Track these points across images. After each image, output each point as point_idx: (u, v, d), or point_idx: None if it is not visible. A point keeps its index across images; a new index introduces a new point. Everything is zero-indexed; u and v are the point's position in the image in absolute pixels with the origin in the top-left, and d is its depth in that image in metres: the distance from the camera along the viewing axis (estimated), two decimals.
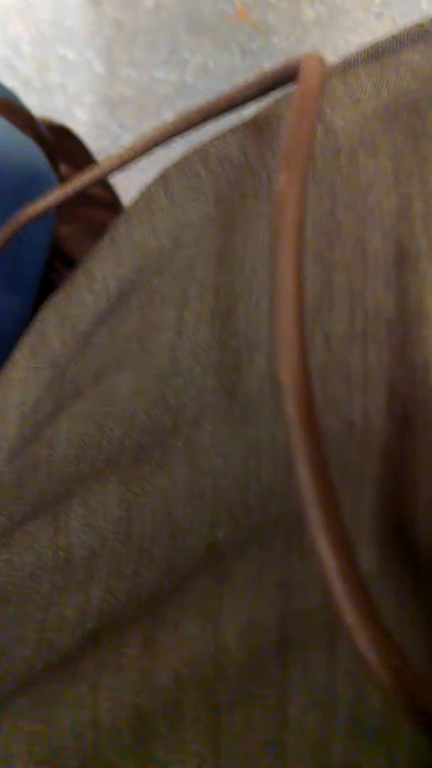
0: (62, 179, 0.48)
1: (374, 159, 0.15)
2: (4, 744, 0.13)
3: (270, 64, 0.71)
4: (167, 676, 0.12)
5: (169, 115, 0.70)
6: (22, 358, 0.20)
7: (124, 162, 0.19)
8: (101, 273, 0.19)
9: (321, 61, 0.15)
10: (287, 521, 0.13)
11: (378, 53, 0.18)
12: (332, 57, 0.72)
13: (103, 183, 0.49)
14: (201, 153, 0.19)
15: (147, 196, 0.19)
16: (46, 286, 0.43)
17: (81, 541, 0.15)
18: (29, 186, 0.37)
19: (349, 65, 0.18)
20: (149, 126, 0.69)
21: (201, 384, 0.15)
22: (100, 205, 0.49)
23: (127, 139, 0.69)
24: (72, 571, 0.15)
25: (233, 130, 0.18)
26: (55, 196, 0.19)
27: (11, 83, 0.70)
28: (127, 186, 0.68)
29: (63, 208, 0.45)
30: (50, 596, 0.15)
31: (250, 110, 0.70)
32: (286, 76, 0.16)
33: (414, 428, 0.12)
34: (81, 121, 0.69)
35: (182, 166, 0.19)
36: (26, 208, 0.20)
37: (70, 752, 0.12)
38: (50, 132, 0.51)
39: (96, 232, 0.46)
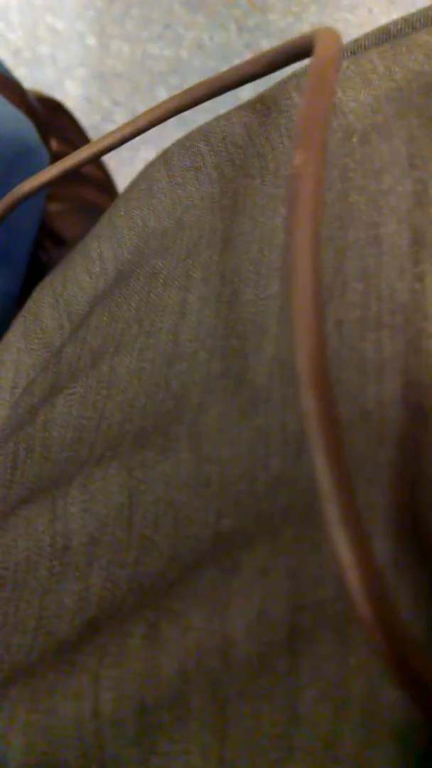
0: (54, 154, 0.47)
1: (388, 142, 0.15)
2: (1, 733, 0.13)
3: (267, 41, 0.70)
4: (172, 668, 0.12)
5: (162, 92, 0.68)
6: (15, 339, 0.19)
7: (123, 139, 0.18)
8: (99, 253, 0.19)
9: (336, 34, 0.15)
10: (297, 511, 0.12)
11: (390, 35, 0.17)
12: None
13: (94, 161, 0.48)
14: (204, 132, 0.18)
15: (147, 175, 0.19)
16: (35, 263, 0.42)
17: (80, 527, 0.14)
18: (19, 159, 0.36)
19: (360, 47, 0.18)
20: (142, 102, 0.67)
21: (205, 369, 0.15)
22: (91, 184, 0.48)
23: (120, 115, 0.67)
24: (71, 557, 0.14)
25: (237, 110, 0.18)
26: (50, 173, 0.19)
27: (1, 52, 0.69)
28: (118, 165, 0.67)
29: (53, 186, 0.44)
30: (48, 583, 0.14)
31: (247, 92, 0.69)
32: (300, 51, 0.15)
33: (429, 418, 0.12)
34: (72, 95, 0.67)
35: (184, 145, 0.18)
36: (20, 185, 0.19)
37: (70, 742, 0.12)
38: (42, 106, 0.49)
39: (86, 210, 0.45)
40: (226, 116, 0.18)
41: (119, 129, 0.18)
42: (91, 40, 0.68)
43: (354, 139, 0.15)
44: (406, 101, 0.15)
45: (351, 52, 0.18)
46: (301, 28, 0.70)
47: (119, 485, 0.14)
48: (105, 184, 0.50)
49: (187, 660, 0.12)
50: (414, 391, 0.12)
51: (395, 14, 0.71)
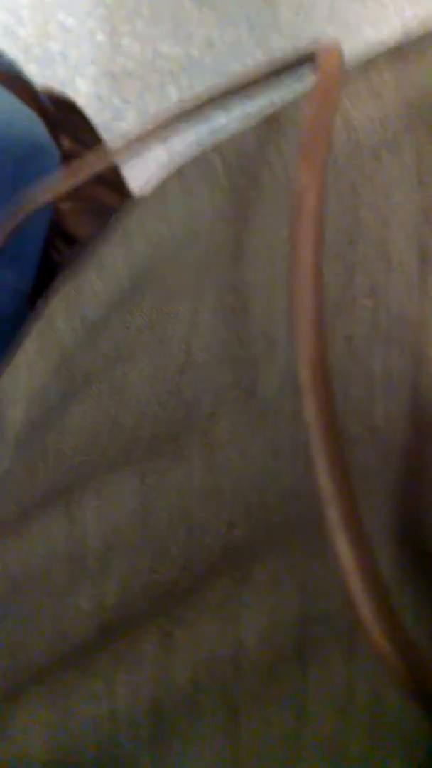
0: (65, 153, 0.47)
1: (398, 158, 0.15)
2: (22, 732, 0.13)
3: (277, 38, 0.69)
4: (185, 673, 0.12)
5: (173, 91, 0.68)
6: (29, 343, 0.20)
7: (137, 145, 0.19)
8: (112, 261, 0.19)
9: (339, 50, 0.15)
10: (307, 524, 0.13)
11: (401, 51, 0.18)
12: (340, 30, 0.70)
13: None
14: (217, 144, 0.19)
15: (161, 185, 0.19)
16: (46, 262, 0.42)
17: (95, 533, 0.15)
18: (30, 158, 0.36)
19: (370, 61, 0.18)
20: (152, 101, 0.67)
21: (217, 379, 0.15)
22: (102, 182, 0.48)
23: (130, 114, 0.67)
24: (86, 562, 0.15)
25: (251, 126, 0.18)
26: (63, 182, 0.19)
27: (12, 50, 0.69)
28: (128, 165, 0.67)
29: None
30: (64, 587, 0.15)
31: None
32: (302, 62, 0.16)
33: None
34: (82, 93, 0.68)
35: (198, 156, 0.19)
36: (33, 195, 0.19)
37: (88, 742, 0.13)
38: (54, 104, 0.49)
39: (97, 210, 0.45)
40: (239, 132, 0.18)
41: (131, 136, 0.18)
42: (102, 38, 0.68)
43: (364, 155, 0.16)
44: (415, 118, 0.15)
45: (362, 66, 0.18)
46: (312, 24, 0.69)
47: (132, 491, 0.15)
48: (116, 182, 0.50)
49: (200, 666, 0.12)
50: (420, 407, 0.12)
51: (407, 6, 0.70)
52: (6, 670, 0.14)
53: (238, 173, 0.18)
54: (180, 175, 0.19)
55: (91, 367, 0.17)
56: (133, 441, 0.15)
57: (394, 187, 0.15)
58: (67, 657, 0.14)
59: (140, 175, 0.66)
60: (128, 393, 0.16)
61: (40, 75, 0.68)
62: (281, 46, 0.70)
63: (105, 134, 0.71)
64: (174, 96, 0.69)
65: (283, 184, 0.17)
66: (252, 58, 0.69)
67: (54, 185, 0.19)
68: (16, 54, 0.69)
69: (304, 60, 0.16)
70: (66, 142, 0.50)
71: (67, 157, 0.47)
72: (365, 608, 0.10)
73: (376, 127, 0.16)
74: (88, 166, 0.18)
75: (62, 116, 0.50)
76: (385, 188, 0.15)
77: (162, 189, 0.19)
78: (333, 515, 0.10)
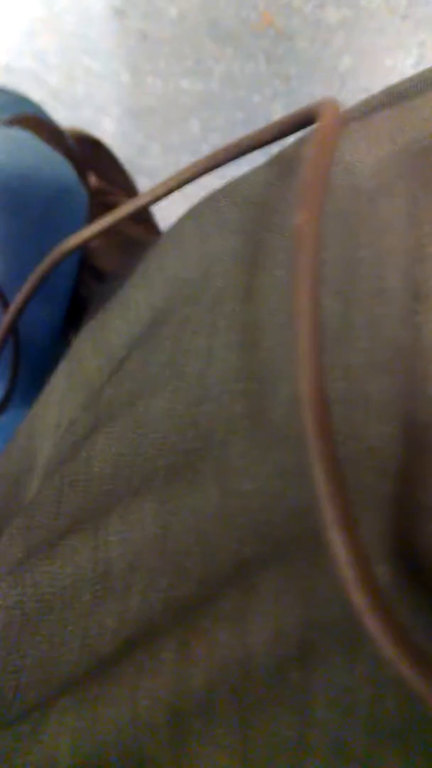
0: (92, 192, 0.48)
1: (391, 202, 0.16)
2: (51, 737, 0.14)
3: (296, 68, 0.71)
4: (200, 679, 0.13)
5: (195, 124, 0.70)
6: (59, 381, 0.21)
7: (158, 197, 0.20)
8: (135, 301, 0.21)
9: (337, 106, 0.17)
10: (309, 538, 0.14)
11: (394, 99, 0.19)
12: (358, 60, 0.72)
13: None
14: (228, 190, 0.20)
15: (178, 229, 0.20)
16: (76, 298, 0.43)
17: (119, 555, 0.16)
18: (59, 200, 0.38)
19: (367, 110, 0.19)
20: (175, 135, 0.69)
21: (229, 410, 0.16)
22: (130, 218, 0.49)
23: (154, 149, 0.69)
24: (111, 582, 0.16)
25: (258, 169, 0.20)
26: (90, 230, 0.21)
27: (40, 95, 0.71)
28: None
29: (93, 221, 0.45)
30: (91, 606, 0.16)
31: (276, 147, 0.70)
32: (305, 120, 0.17)
33: (427, 454, 0.13)
34: (108, 132, 0.70)
35: (211, 202, 0.20)
36: (64, 242, 0.21)
37: (111, 745, 0.14)
38: (81, 143, 0.51)
39: (126, 245, 0.46)
40: (248, 175, 0.20)
41: (152, 190, 0.19)
42: (126, 78, 0.70)
43: (362, 199, 0.17)
44: (407, 164, 0.17)
45: (360, 113, 0.19)
46: (330, 54, 0.71)
47: (153, 516, 0.16)
48: (142, 215, 0.51)
49: (214, 672, 0.13)
50: (413, 429, 0.14)
51: (423, 35, 0.71)
52: (37, 683, 0.15)
53: (248, 217, 0.19)
54: (195, 219, 0.20)
55: (116, 402, 0.19)
56: (154, 470, 0.17)
57: (389, 229, 0.16)
58: (93, 669, 0.15)
59: (166, 205, 0.68)
60: (149, 426, 0.17)
61: (68, 118, 0.71)
62: (298, 74, 0.71)
63: (131, 168, 0.73)
64: (196, 129, 0.70)
65: (288, 228, 0.18)
66: (271, 89, 0.71)
67: (84, 233, 0.21)
68: (44, 98, 0.72)
69: (307, 116, 0.17)
70: (93, 180, 0.52)
71: (94, 194, 0.49)
72: (369, 617, 0.10)
73: (373, 172, 0.17)
74: (112, 217, 0.20)
75: (89, 155, 0.52)
76: (381, 230, 0.16)
77: (179, 232, 0.20)
78: (330, 515, 0.11)
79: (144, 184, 0.72)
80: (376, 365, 0.15)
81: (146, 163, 0.69)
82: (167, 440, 0.17)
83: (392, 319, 0.15)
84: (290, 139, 0.49)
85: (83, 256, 0.45)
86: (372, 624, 0.10)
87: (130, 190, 0.51)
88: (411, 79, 0.19)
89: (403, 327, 0.15)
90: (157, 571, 0.15)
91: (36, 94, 0.72)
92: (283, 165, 0.19)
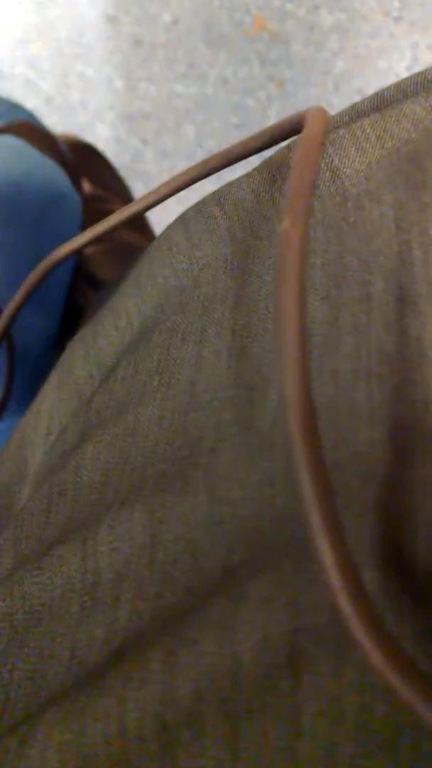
0: (86, 198, 0.48)
1: (378, 207, 0.16)
2: (39, 752, 0.14)
3: (290, 72, 0.71)
4: (188, 689, 0.13)
5: (189, 129, 0.70)
6: (50, 389, 0.21)
7: (151, 205, 0.20)
8: (125, 309, 0.20)
9: (324, 113, 0.17)
10: (297, 545, 0.14)
11: (382, 104, 0.19)
12: (351, 63, 0.72)
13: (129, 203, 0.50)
14: (217, 197, 0.20)
15: (167, 236, 0.21)
16: (70, 304, 0.43)
17: (108, 565, 0.16)
18: (52, 206, 0.38)
19: (356, 113, 0.19)
20: (170, 140, 0.69)
21: (218, 417, 0.16)
22: (126, 226, 0.49)
23: (149, 153, 0.69)
24: (100, 592, 0.16)
25: (248, 175, 0.20)
26: (82, 239, 0.20)
27: (34, 101, 0.71)
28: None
29: (88, 227, 0.45)
30: (80, 616, 0.16)
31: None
32: (293, 128, 0.17)
33: (414, 459, 0.13)
34: (102, 137, 0.70)
35: (200, 208, 0.20)
36: (54, 251, 0.21)
37: (99, 758, 0.13)
38: (74, 149, 0.51)
39: (121, 252, 0.46)
40: (237, 181, 0.20)
41: (145, 197, 0.19)
42: (119, 84, 0.70)
43: (349, 204, 0.17)
44: (394, 168, 0.17)
45: (349, 118, 0.19)
46: (324, 57, 0.71)
47: (142, 526, 0.16)
48: (137, 222, 0.51)
49: (202, 681, 0.13)
50: (400, 435, 0.14)
51: (417, 37, 0.71)
52: (26, 695, 0.15)
53: (237, 225, 0.19)
54: (185, 227, 0.20)
55: (106, 410, 0.19)
56: (144, 479, 0.17)
57: (375, 234, 0.16)
58: (81, 680, 0.15)
59: (160, 210, 0.68)
60: (139, 434, 0.17)
61: (62, 123, 0.71)
62: (293, 78, 0.71)
63: (126, 174, 0.73)
64: (191, 134, 0.70)
65: (278, 234, 0.18)
66: (266, 92, 0.71)
67: (77, 241, 0.21)
68: (38, 105, 0.71)
69: (296, 123, 0.17)
70: (87, 186, 0.52)
71: (88, 201, 0.49)
72: (355, 624, 0.10)
73: (360, 177, 0.17)
74: (103, 225, 0.20)
75: (82, 161, 0.52)
76: (367, 235, 0.16)
77: (169, 240, 0.20)
78: (315, 521, 0.11)
79: (139, 189, 0.72)
80: (362, 370, 0.15)
81: (141, 168, 0.69)
82: (156, 449, 0.17)
83: (377, 324, 0.15)
84: (282, 144, 0.49)
85: (78, 263, 0.45)
86: (358, 631, 0.10)
87: (125, 196, 0.51)
88: (399, 84, 0.19)
89: (388, 331, 0.15)
90: (146, 581, 0.15)
91: (30, 100, 0.72)
92: (271, 171, 0.19)
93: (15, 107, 0.45)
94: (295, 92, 0.71)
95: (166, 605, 0.15)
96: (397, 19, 0.70)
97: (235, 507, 0.15)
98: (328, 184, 0.17)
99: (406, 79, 0.19)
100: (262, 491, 0.15)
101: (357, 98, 0.71)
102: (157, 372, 0.18)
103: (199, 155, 0.68)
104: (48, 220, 0.35)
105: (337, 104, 0.73)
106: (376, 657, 0.10)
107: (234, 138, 0.68)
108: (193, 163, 0.68)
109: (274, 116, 0.69)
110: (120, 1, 0.69)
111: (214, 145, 0.70)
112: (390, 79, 0.71)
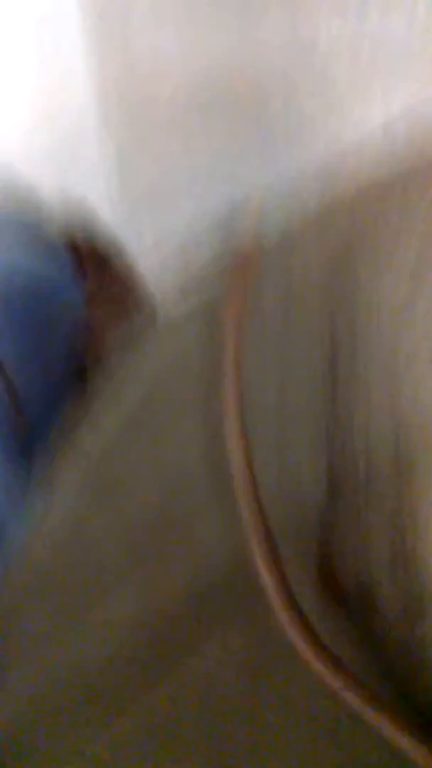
0: (89, 285, 0.50)
1: (312, 304, 0.20)
2: None
3: (268, 122, 0.74)
4: None
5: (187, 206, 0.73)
6: (41, 508, 0.23)
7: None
8: (117, 399, 0.22)
9: (255, 250, 0.20)
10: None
11: (313, 224, 0.22)
12: (326, 109, 0.74)
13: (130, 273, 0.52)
14: (190, 288, 0.23)
15: (159, 325, 0.23)
16: (76, 361, 0.44)
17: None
18: (54, 296, 0.39)
19: (286, 237, 0.22)
20: (168, 221, 0.72)
21: (199, 491, 0.19)
22: (118, 287, 0.51)
23: (148, 236, 0.72)
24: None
25: (208, 273, 0.23)
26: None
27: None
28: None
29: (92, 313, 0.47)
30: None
31: None
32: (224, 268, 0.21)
33: (341, 498, 0.16)
34: (103, 222, 0.73)
35: (180, 297, 0.23)
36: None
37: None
38: (75, 239, 0.53)
39: (126, 312, 0.48)
40: (201, 276, 0.23)
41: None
42: (118, 166, 0.73)
43: (291, 302, 0.20)
44: (322, 286, 0.20)
45: (277, 247, 0.22)
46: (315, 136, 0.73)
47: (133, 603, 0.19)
48: (128, 279, 0.53)
49: None
50: (333, 481, 0.16)
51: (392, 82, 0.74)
52: None
53: (203, 322, 0.21)
54: (168, 313, 0.23)
55: (96, 503, 0.20)
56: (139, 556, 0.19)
57: (302, 345, 0.19)
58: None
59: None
60: (128, 515, 0.19)
61: (61, 209, 0.74)
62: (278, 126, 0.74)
63: (128, 255, 0.75)
64: (188, 209, 0.73)
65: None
66: (259, 159, 0.74)
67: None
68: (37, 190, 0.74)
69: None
70: (90, 271, 0.53)
71: (91, 288, 0.51)
72: (288, 625, 0.14)
73: (282, 300, 0.20)
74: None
75: (83, 248, 0.54)
76: (306, 323, 0.19)
77: (154, 334, 0.22)
78: (256, 550, 0.14)
79: (141, 268, 0.74)
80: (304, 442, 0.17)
81: (142, 249, 0.71)
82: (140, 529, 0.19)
83: (318, 399, 0.17)
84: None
85: (84, 322, 0.46)
86: (293, 635, 0.13)
87: (128, 280, 0.52)
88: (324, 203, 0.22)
89: (323, 402, 0.17)
90: None
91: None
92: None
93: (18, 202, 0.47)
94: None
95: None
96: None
97: (212, 573, 0.18)
98: (254, 302, 0.20)
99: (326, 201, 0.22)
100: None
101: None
102: (143, 460, 0.20)
103: (188, 207, 0.70)
104: (51, 309, 0.37)
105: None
106: (308, 655, 0.13)
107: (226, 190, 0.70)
108: (192, 239, 0.70)
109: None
110: None
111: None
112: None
